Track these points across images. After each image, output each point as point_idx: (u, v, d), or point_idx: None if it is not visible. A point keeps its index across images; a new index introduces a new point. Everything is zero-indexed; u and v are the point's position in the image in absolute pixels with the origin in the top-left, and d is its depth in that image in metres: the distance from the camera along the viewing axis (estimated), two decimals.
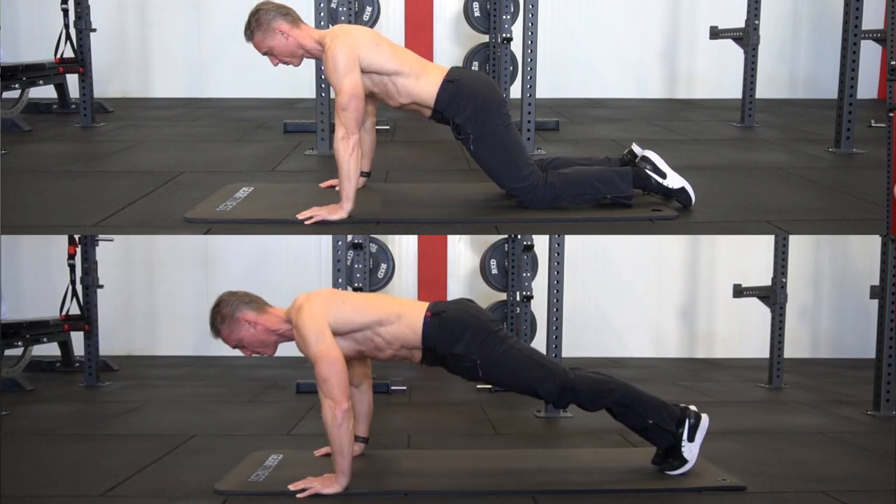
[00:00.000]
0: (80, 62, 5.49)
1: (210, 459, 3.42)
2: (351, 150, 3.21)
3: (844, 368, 6.17)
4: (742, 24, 5.42)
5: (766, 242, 5.78)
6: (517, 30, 4.84)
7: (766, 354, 5.36)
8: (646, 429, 3.13)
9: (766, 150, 4.83)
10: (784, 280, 5.21)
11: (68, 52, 5.53)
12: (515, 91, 5.09)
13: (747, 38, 5.41)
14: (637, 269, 6.64)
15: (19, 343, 5.09)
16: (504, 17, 5.22)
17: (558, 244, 4.15)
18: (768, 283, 5.28)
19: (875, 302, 4.38)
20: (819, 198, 3.84)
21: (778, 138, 5.16)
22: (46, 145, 4.89)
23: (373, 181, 3.80)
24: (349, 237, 4.42)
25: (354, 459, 3.06)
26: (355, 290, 4.61)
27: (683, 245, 6.64)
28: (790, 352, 5.45)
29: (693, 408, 3.16)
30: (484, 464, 3.29)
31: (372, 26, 5.96)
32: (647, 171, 3.47)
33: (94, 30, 5.59)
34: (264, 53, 3.40)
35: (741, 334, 6.63)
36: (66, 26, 5.51)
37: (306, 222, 3.31)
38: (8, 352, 5.04)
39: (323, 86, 4.54)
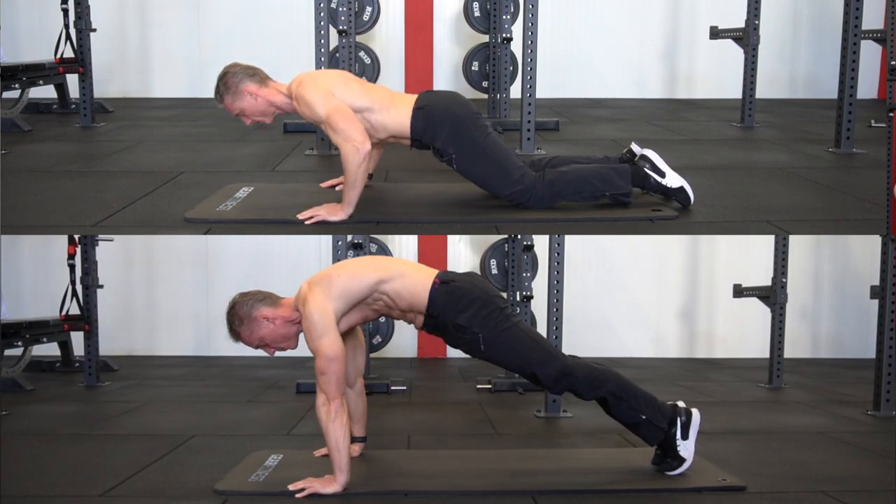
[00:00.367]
0: (80, 62, 5.49)
1: (210, 459, 3.42)
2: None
3: (844, 368, 6.17)
4: (742, 24, 5.42)
5: (766, 242, 5.78)
6: (517, 30, 4.84)
7: (766, 354, 5.36)
8: (638, 424, 3.12)
9: (766, 150, 4.83)
10: (784, 280, 5.21)
11: (68, 52, 5.53)
12: (515, 91, 5.10)
13: (747, 38, 5.41)
14: (637, 269, 6.64)
15: (19, 343, 5.09)
16: (504, 17, 5.23)
17: (558, 244, 4.15)
18: (768, 283, 5.28)
19: (875, 302, 4.38)
20: (819, 198, 3.84)
21: (778, 138, 5.16)
22: (46, 145, 4.89)
23: (372, 181, 3.80)
24: (349, 237, 4.42)
25: (354, 460, 3.06)
26: None
27: (683, 245, 6.64)
28: (790, 352, 5.45)
29: (682, 404, 3.16)
30: (484, 464, 3.29)
31: (372, 26, 5.98)
32: (645, 169, 3.48)
33: (94, 30, 5.59)
34: (236, 115, 3.44)
35: (741, 334, 6.63)
36: (66, 26, 5.51)
37: (306, 222, 3.32)
38: (8, 352, 5.04)
39: None
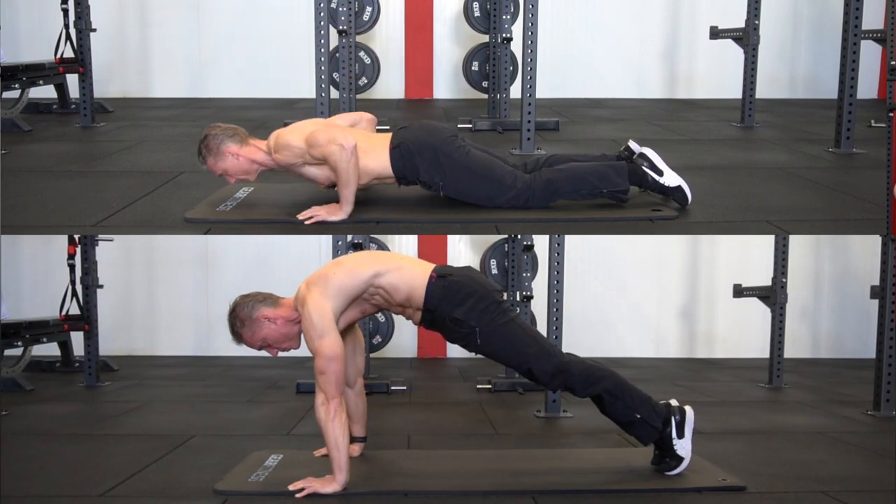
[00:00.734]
0: (80, 62, 5.49)
1: (210, 459, 3.42)
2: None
3: (844, 368, 6.17)
4: (742, 24, 5.42)
5: (766, 242, 5.78)
6: (517, 30, 4.84)
7: (766, 354, 5.36)
8: (632, 423, 3.12)
9: (766, 150, 4.83)
10: (784, 280, 5.21)
11: (68, 52, 5.53)
12: (515, 91, 5.10)
13: (747, 38, 5.41)
14: (637, 269, 6.64)
15: (19, 343, 5.09)
16: (504, 17, 5.23)
17: (558, 244, 4.15)
18: (768, 283, 5.28)
19: (875, 302, 4.38)
20: (819, 198, 3.84)
21: (778, 138, 5.16)
22: (46, 145, 4.89)
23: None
24: (349, 237, 4.42)
25: (354, 460, 3.06)
26: None
27: (683, 245, 6.64)
28: (790, 352, 5.45)
29: (675, 402, 3.15)
30: (484, 464, 3.28)
31: (372, 26, 5.98)
32: (644, 167, 3.47)
33: (94, 30, 5.59)
34: (220, 175, 3.47)
35: (741, 334, 6.63)
36: (66, 26, 5.51)
37: (306, 222, 3.32)
38: (8, 352, 5.04)
39: (323, 86, 4.54)
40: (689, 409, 3.14)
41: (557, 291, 4.16)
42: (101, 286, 5.32)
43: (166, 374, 5.72)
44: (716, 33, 5.52)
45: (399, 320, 5.87)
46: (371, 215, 3.42)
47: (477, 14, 5.89)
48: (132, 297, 6.52)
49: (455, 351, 6.53)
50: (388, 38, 6.87)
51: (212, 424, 4.10)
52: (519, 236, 5.13)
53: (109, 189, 3.90)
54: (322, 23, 4.48)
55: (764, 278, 5.36)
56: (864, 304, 5.71)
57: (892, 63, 4.23)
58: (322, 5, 4.50)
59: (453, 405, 4.60)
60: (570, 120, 5.74)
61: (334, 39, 5.01)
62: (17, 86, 5.32)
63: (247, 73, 6.80)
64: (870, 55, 5.85)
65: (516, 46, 5.18)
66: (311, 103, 4.88)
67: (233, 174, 3.45)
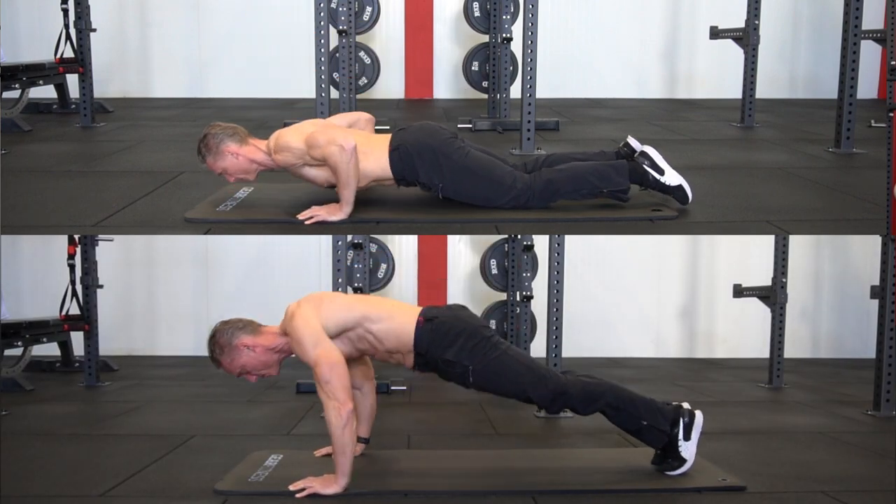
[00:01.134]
0: (80, 62, 5.49)
1: (210, 459, 3.42)
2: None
3: (844, 368, 6.17)
4: (742, 24, 5.42)
5: (766, 242, 5.78)
6: (517, 30, 4.84)
7: (766, 354, 5.36)
8: (640, 430, 3.13)
9: (766, 150, 4.83)
10: (784, 280, 5.21)
11: (68, 52, 5.53)
12: (515, 91, 5.10)
13: (747, 38, 5.41)
14: (637, 269, 6.64)
15: (19, 343, 5.09)
16: (504, 17, 5.23)
17: (558, 244, 4.15)
18: (768, 283, 5.28)
19: (875, 302, 4.38)
20: (819, 198, 3.84)
21: (778, 138, 5.16)
22: (46, 145, 4.89)
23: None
24: (349, 237, 4.42)
25: (354, 459, 3.05)
26: (355, 290, 4.61)
27: (683, 245, 6.64)
28: (790, 352, 5.45)
29: (686, 405, 3.16)
30: (484, 464, 3.29)
31: (372, 26, 5.98)
32: (644, 166, 3.47)
33: (94, 30, 5.59)
34: (219, 174, 3.46)
35: (741, 334, 6.63)
36: (66, 26, 5.51)
37: (306, 222, 3.32)
38: (8, 352, 5.04)
39: (323, 86, 4.54)
40: (699, 414, 3.13)
41: (557, 291, 4.16)
42: (101, 286, 5.32)
43: (166, 374, 5.72)
44: (716, 33, 5.52)
45: None
46: (371, 215, 3.42)
47: (477, 14, 5.89)
48: (132, 297, 6.52)
49: None
50: (388, 38, 6.87)
51: (212, 424, 4.10)
52: (519, 236, 5.13)
53: (109, 189, 3.90)
54: (322, 23, 4.48)
55: (764, 278, 5.36)
56: (864, 304, 5.71)
57: (892, 63, 4.23)
58: (322, 5, 4.50)
59: (453, 405, 4.60)
60: (570, 120, 5.74)
61: (334, 39, 5.01)
62: (17, 86, 5.32)
63: (247, 73, 6.79)
64: (870, 55, 5.85)
65: (516, 46, 5.18)
66: (311, 103, 4.88)
67: (232, 173, 3.44)
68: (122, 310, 6.44)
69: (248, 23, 6.83)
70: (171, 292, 6.53)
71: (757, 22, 5.40)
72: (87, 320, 5.22)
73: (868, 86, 6.51)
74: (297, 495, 2.92)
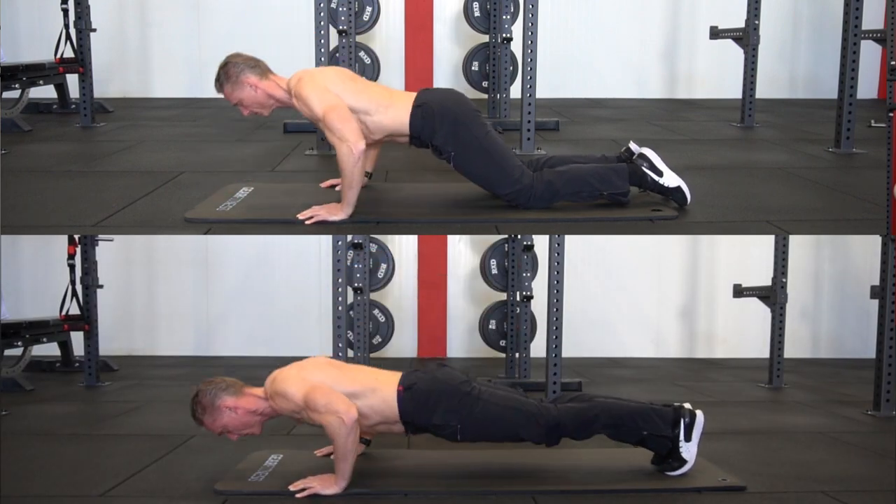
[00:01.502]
0: (80, 62, 5.49)
1: (210, 459, 3.42)
2: (357, 160, 3.21)
3: (844, 368, 6.17)
4: (742, 24, 5.42)
5: (766, 242, 5.78)
6: (517, 30, 4.84)
7: (766, 354, 5.36)
8: (643, 440, 3.13)
9: (766, 150, 4.83)
10: (784, 280, 5.21)
11: (68, 52, 5.53)
12: (515, 91, 5.10)
13: (747, 38, 5.41)
14: (637, 269, 6.64)
15: (19, 343, 5.09)
16: (504, 17, 5.23)
17: (558, 244, 4.15)
18: (768, 283, 5.28)
19: (875, 302, 4.38)
20: (819, 198, 3.84)
21: (778, 138, 5.16)
22: (46, 145, 4.89)
23: (373, 181, 3.80)
24: (349, 237, 4.42)
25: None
26: (355, 290, 4.61)
27: (683, 245, 6.64)
28: (790, 352, 5.45)
29: (687, 405, 3.15)
30: (484, 464, 3.28)
31: (372, 26, 5.97)
32: (643, 168, 3.47)
33: (94, 30, 5.59)
34: (234, 104, 3.45)
35: (741, 334, 6.63)
36: (66, 26, 5.51)
37: (306, 222, 3.32)
38: (8, 352, 5.04)
39: None
40: (700, 414, 3.13)
41: (557, 291, 4.16)
42: (101, 286, 5.32)
43: (166, 374, 5.72)
44: (716, 33, 5.52)
45: (399, 320, 5.88)
46: (371, 215, 3.42)
47: (477, 14, 5.89)
48: (132, 297, 6.52)
49: (455, 351, 6.53)
50: (388, 38, 6.86)
51: None
52: (519, 236, 5.13)
53: (109, 189, 3.90)
54: (322, 23, 4.48)
55: (764, 278, 5.36)
56: (864, 304, 5.71)
57: (892, 63, 4.23)
58: (322, 5, 4.50)
59: None
60: (570, 120, 5.74)
61: (334, 39, 5.01)
62: (17, 86, 5.32)
63: None
64: (870, 55, 5.85)
65: (516, 46, 5.17)
66: None
67: (248, 105, 3.42)
68: (122, 310, 6.44)
69: (248, 23, 6.83)
70: (171, 292, 6.53)
71: (757, 22, 5.40)
72: (87, 320, 5.22)
73: (868, 86, 6.50)
74: (298, 495, 2.92)
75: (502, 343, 5.43)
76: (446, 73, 6.97)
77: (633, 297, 6.65)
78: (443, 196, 3.68)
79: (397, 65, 6.92)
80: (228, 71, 3.38)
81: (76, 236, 5.13)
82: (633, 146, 3.54)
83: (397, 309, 6.09)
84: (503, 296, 5.47)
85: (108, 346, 5.97)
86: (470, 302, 6.50)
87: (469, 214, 3.45)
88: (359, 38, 5.82)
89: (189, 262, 6.52)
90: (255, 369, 5.75)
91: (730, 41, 5.54)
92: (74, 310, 5.26)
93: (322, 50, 4.43)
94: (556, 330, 4.18)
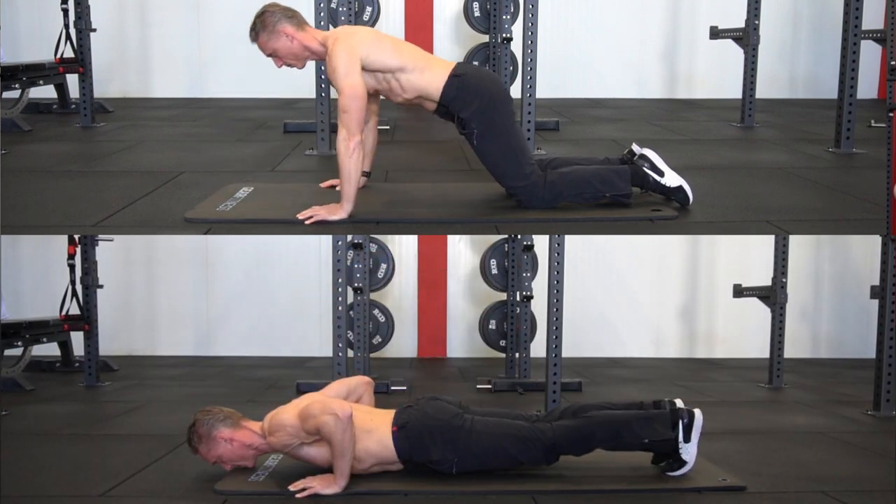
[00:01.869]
0: (80, 62, 5.49)
1: None
2: (352, 152, 3.22)
3: (844, 368, 6.17)
4: (742, 24, 5.42)
5: (766, 242, 5.78)
6: (517, 30, 4.83)
7: (766, 354, 5.36)
8: (645, 447, 3.13)
9: (766, 150, 4.83)
10: (784, 280, 5.21)
11: (68, 52, 5.53)
12: (515, 91, 5.09)
13: (747, 38, 5.41)
14: (637, 269, 6.64)
15: (19, 343, 5.09)
16: (504, 17, 5.22)
17: (558, 244, 4.15)
18: (768, 283, 5.28)
19: (875, 302, 4.38)
20: (819, 198, 3.84)
21: (778, 138, 5.16)
22: (46, 145, 4.89)
23: (373, 181, 3.80)
24: (349, 237, 4.42)
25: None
26: (355, 290, 4.61)
27: (683, 245, 6.64)
28: (790, 352, 5.45)
29: (679, 403, 3.14)
30: None
31: (372, 26, 5.97)
32: (644, 168, 3.48)
33: (94, 30, 5.59)
34: (269, 55, 3.42)
35: (741, 334, 6.63)
36: (66, 26, 5.50)
37: (306, 222, 3.31)
38: (8, 352, 5.04)
39: (323, 86, 4.54)
40: (697, 413, 3.12)
41: (557, 291, 4.16)
42: (101, 286, 5.32)
43: (166, 374, 5.72)
44: (716, 33, 5.52)
45: (399, 320, 5.88)
46: (371, 215, 3.42)
47: (477, 14, 5.89)
48: (132, 297, 6.52)
49: (455, 351, 6.53)
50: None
51: None
52: (519, 236, 5.13)
53: (109, 189, 3.90)
54: (322, 23, 4.48)
55: (764, 278, 5.36)
56: (864, 304, 5.71)
57: (892, 63, 4.23)
58: (322, 5, 4.50)
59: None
60: (570, 120, 5.74)
61: None
62: (17, 86, 5.32)
63: (247, 73, 6.78)
64: (870, 55, 5.85)
65: (516, 46, 5.18)
66: (311, 103, 4.88)
67: (282, 56, 3.40)
68: (122, 310, 6.44)
69: (248, 23, 6.82)
70: (171, 292, 6.54)
71: (757, 22, 5.39)
72: (87, 320, 5.22)
73: (868, 86, 6.50)
74: (298, 495, 2.92)
75: (502, 343, 5.44)
76: None
77: (633, 297, 6.66)
78: (443, 196, 3.68)
79: None
80: (265, 20, 3.38)
81: (76, 236, 5.13)
82: (635, 147, 3.55)
83: (397, 309, 6.09)
84: (503, 296, 5.47)
85: (108, 346, 5.97)
86: (470, 302, 6.50)
87: (469, 214, 3.45)
88: None
89: (189, 262, 6.52)
90: (255, 369, 5.77)
91: (730, 41, 5.54)
92: (74, 310, 5.26)
93: None
94: (556, 330, 4.18)
